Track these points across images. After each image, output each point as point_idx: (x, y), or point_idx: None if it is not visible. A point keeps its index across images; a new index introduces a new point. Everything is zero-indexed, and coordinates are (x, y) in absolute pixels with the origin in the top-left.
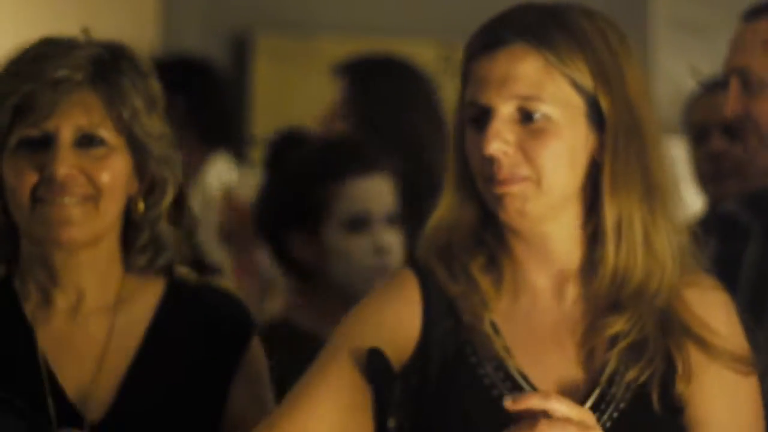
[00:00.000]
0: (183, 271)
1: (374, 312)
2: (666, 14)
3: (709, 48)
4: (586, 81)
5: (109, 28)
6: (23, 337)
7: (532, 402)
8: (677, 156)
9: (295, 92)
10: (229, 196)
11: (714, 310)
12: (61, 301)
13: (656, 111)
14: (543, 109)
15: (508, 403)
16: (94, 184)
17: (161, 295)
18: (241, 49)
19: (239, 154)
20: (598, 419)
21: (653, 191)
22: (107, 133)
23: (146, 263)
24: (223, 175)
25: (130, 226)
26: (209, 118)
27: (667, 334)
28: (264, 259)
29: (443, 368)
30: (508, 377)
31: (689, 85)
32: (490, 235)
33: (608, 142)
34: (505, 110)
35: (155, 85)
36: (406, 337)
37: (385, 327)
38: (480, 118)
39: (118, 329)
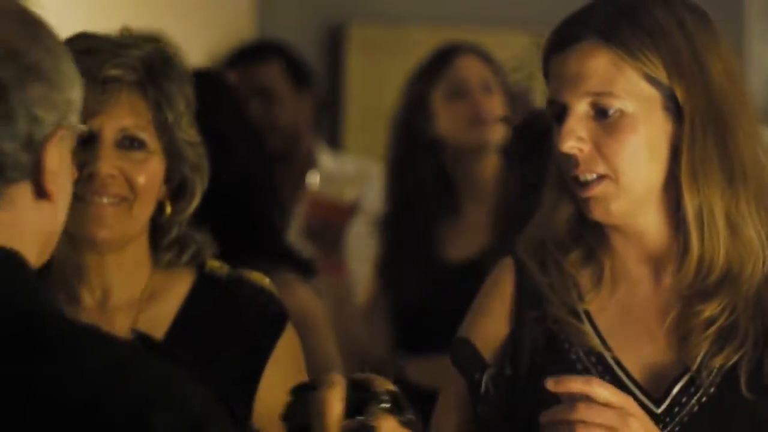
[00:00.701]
0: (215, 264)
1: (475, 309)
2: (762, 4)
3: None
4: (659, 73)
5: (206, 20)
6: None
7: (574, 385)
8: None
9: (387, 82)
10: (314, 192)
11: None
12: (87, 298)
13: (747, 97)
14: (617, 104)
15: (551, 384)
16: (132, 186)
17: (190, 289)
18: (334, 40)
19: (333, 145)
20: (686, 404)
21: (738, 178)
22: (148, 137)
23: (172, 260)
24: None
25: (156, 227)
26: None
27: (760, 317)
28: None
29: (533, 355)
30: (601, 361)
31: None
32: (588, 228)
33: (686, 132)
34: (580, 107)
35: (191, 92)
36: (495, 329)
37: (480, 321)
38: (560, 115)
39: (143, 323)
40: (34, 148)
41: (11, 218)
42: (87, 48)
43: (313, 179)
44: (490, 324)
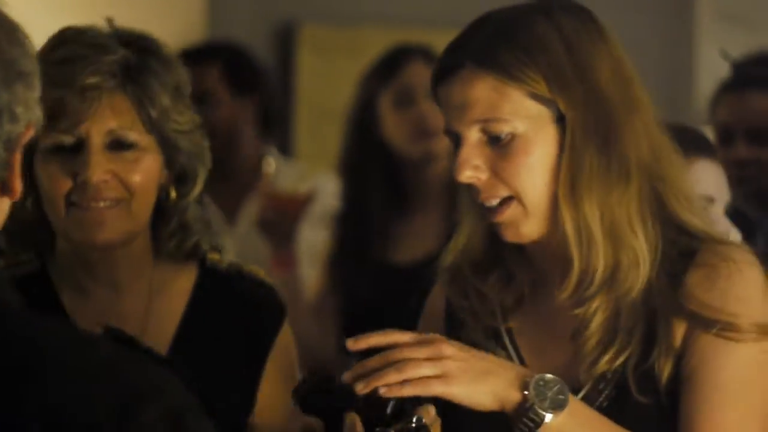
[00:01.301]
0: (215, 257)
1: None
2: (712, 6)
3: (754, 40)
4: (542, 89)
5: (157, 19)
6: None
7: (373, 339)
8: None
9: (339, 83)
10: (267, 187)
11: (710, 284)
12: (97, 292)
13: (640, 95)
14: (506, 128)
15: (350, 343)
16: (127, 186)
17: (194, 282)
18: (285, 40)
19: (283, 145)
20: (591, 406)
21: (621, 183)
22: (137, 135)
23: (175, 248)
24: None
25: (158, 213)
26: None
27: (646, 318)
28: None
29: None
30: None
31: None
32: (507, 247)
33: (566, 144)
34: (471, 135)
35: (182, 74)
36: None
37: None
38: (457, 143)
39: (154, 316)
40: (10, 148)
41: None
42: (63, 58)
43: (269, 168)
44: (430, 321)
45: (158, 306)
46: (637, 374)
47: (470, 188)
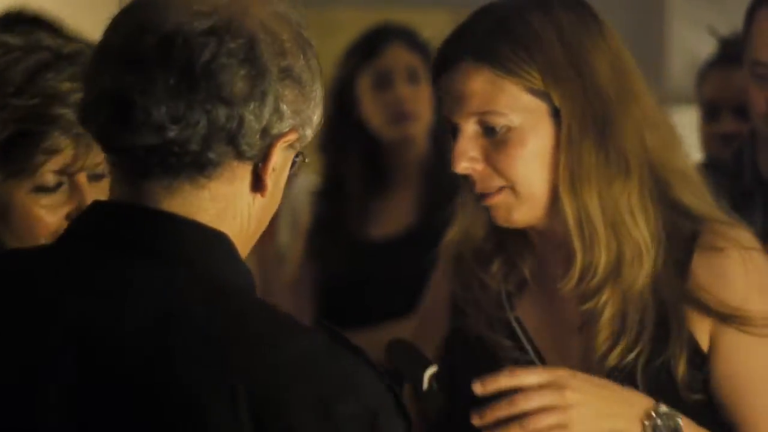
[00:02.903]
0: None
1: (421, 305)
2: None
3: (725, 18)
4: (539, 83)
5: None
6: None
7: (501, 382)
8: (690, 125)
9: None
10: None
11: (721, 276)
12: None
13: (639, 87)
14: (502, 121)
15: (478, 388)
16: None
17: None
18: None
19: None
20: None
21: (620, 175)
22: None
23: None
24: None
25: None
26: None
27: (657, 310)
28: (282, 225)
29: (465, 357)
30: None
31: (704, 55)
32: (509, 233)
33: (563, 137)
34: (468, 127)
35: None
36: (436, 327)
37: (423, 318)
38: (454, 132)
39: None
40: (268, 139)
41: (228, 194)
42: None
43: None
44: (431, 322)
45: None
46: (649, 370)
47: (467, 178)
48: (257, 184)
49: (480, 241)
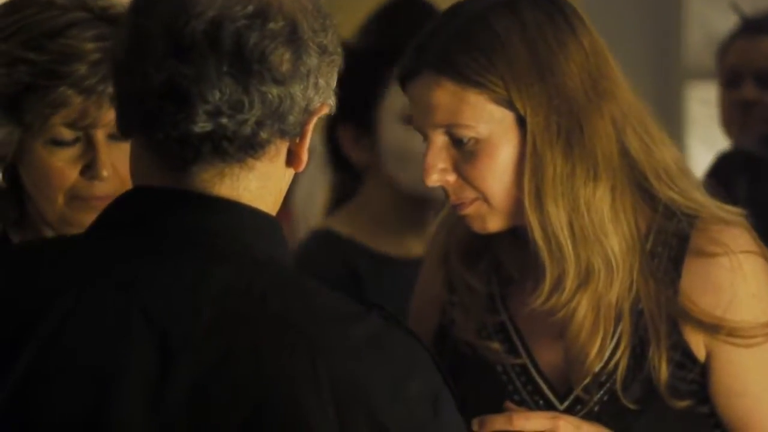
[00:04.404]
0: None
1: (416, 289)
2: None
3: None
4: (502, 92)
5: None
6: None
7: (497, 425)
8: (709, 101)
9: None
10: None
11: (708, 284)
12: None
13: (616, 84)
14: (469, 133)
15: (475, 425)
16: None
17: None
18: None
19: None
20: (588, 402)
21: (589, 180)
22: None
23: None
24: None
25: None
26: None
27: (635, 314)
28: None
29: (455, 365)
30: (524, 372)
31: (721, 30)
32: (498, 233)
33: (528, 148)
34: (437, 138)
35: None
36: (429, 314)
37: (416, 304)
38: (426, 141)
39: None
40: (307, 115)
41: (270, 172)
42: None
43: None
44: (424, 320)
45: None
46: (629, 379)
47: (442, 188)
48: (293, 159)
49: (467, 239)
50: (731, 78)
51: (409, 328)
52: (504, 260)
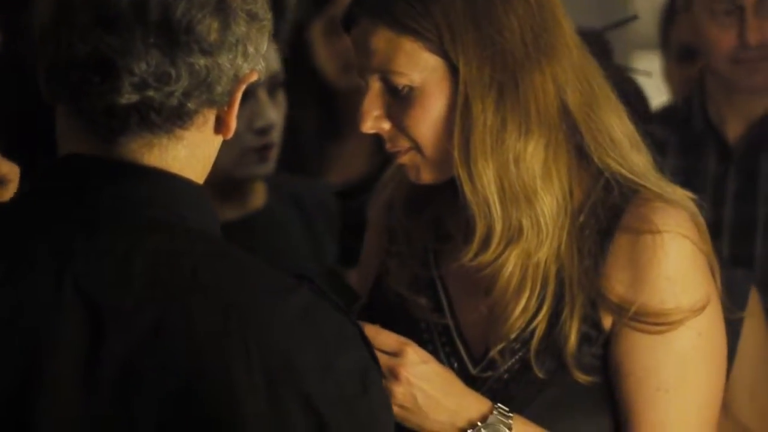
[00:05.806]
0: None
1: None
2: None
3: None
4: (436, 39)
5: None
6: None
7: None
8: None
9: None
10: None
11: (625, 262)
12: None
13: (559, 38)
14: (402, 81)
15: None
16: None
17: None
18: None
19: None
20: (498, 368)
21: (527, 138)
22: None
23: None
24: None
25: None
26: None
27: (560, 277)
28: None
29: (383, 314)
30: (446, 332)
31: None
32: (439, 188)
33: (459, 99)
34: (373, 85)
35: None
36: (369, 266)
37: (363, 254)
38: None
39: None
40: (235, 83)
41: (198, 140)
42: None
43: None
44: (367, 273)
45: None
46: (542, 345)
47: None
48: (221, 127)
49: (411, 188)
50: (683, 53)
51: (338, 303)
52: (444, 215)
